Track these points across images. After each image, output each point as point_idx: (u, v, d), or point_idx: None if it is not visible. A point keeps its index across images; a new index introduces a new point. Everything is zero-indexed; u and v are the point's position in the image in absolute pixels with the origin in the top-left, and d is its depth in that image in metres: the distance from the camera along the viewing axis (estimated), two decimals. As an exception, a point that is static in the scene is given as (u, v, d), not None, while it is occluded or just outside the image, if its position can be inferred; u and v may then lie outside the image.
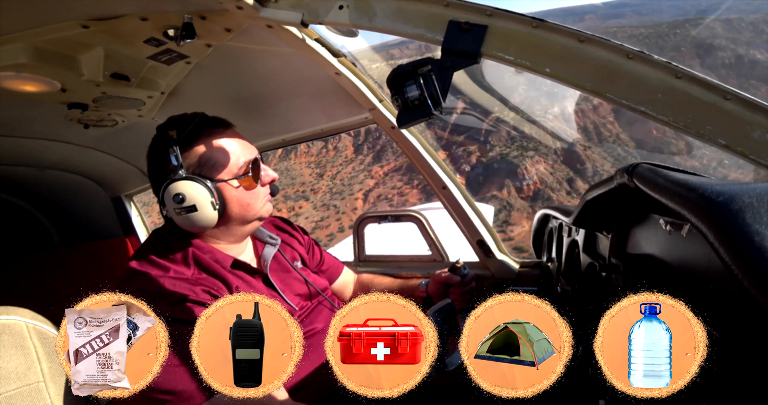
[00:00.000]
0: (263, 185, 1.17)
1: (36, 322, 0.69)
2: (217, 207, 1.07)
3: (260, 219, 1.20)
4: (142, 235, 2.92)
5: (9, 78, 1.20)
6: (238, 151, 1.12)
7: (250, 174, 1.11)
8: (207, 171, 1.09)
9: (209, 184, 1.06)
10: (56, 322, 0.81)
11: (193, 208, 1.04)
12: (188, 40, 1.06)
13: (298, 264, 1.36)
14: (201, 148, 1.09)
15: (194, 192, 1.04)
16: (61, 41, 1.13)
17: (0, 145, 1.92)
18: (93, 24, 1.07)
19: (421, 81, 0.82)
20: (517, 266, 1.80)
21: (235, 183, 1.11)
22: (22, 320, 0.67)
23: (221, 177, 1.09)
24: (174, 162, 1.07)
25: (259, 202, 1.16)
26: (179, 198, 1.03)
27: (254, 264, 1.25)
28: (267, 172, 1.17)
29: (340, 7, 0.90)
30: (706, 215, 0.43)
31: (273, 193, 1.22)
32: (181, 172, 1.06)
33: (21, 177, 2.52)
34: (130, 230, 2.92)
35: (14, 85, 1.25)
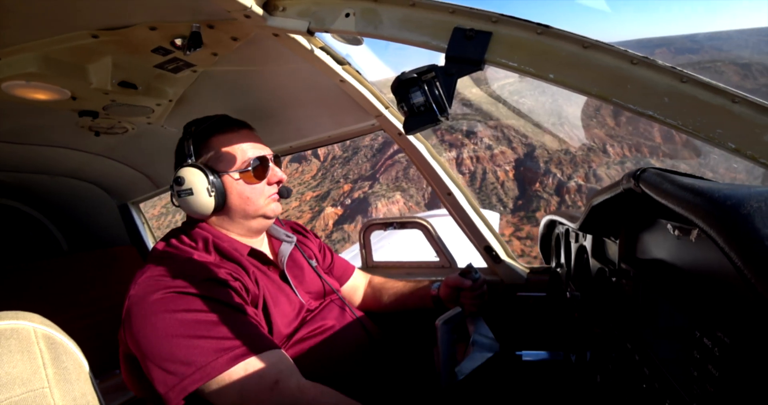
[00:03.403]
0: (269, 184, 1.23)
1: (44, 327, 0.69)
2: (213, 194, 1.14)
3: (265, 216, 1.23)
4: (149, 243, 2.94)
5: (20, 86, 1.22)
6: (245, 148, 1.20)
7: (250, 169, 1.18)
8: (213, 163, 1.18)
9: (210, 172, 1.14)
10: (65, 327, 0.81)
11: (189, 192, 1.13)
12: (195, 49, 1.07)
13: (313, 262, 1.40)
14: (213, 143, 1.19)
15: (193, 177, 1.13)
16: (70, 50, 1.15)
17: (13, 152, 1.95)
18: (103, 33, 1.09)
19: (426, 88, 0.82)
20: (526, 272, 1.78)
21: (236, 176, 1.18)
22: (30, 325, 0.67)
23: (225, 169, 1.18)
24: (186, 151, 1.18)
25: (261, 198, 1.21)
26: (179, 180, 1.13)
27: (272, 258, 1.29)
28: (275, 172, 1.24)
29: (347, 15, 0.91)
30: (714, 220, 0.43)
31: (281, 195, 1.27)
32: (189, 161, 1.17)
33: (32, 184, 2.55)
34: (137, 237, 2.94)
35: (25, 93, 1.27)
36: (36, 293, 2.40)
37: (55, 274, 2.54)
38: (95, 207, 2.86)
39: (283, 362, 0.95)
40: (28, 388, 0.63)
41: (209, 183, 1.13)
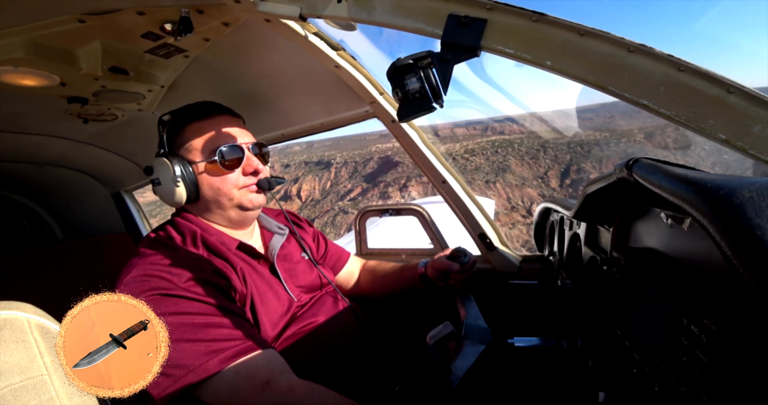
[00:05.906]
0: (244, 174, 1.18)
1: (37, 317, 0.68)
2: (180, 184, 1.11)
3: (241, 207, 1.19)
4: (143, 230, 2.93)
5: (7, 72, 1.19)
6: (216, 136, 1.16)
7: (216, 159, 1.13)
8: (184, 152, 1.16)
9: (178, 162, 1.12)
10: (59, 317, 0.81)
11: (158, 182, 1.13)
12: (186, 35, 1.05)
13: (305, 256, 1.38)
14: (186, 132, 1.16)
15: (161, 167, 1.13)
16: (58, 35, 1.12)
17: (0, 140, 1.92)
18: (89, 18, 1.06)
19: (422, 74, 0.81)
20: (518, 260, 1.80)
21: (202, 166, 1.15)
22: (23, 315, 0.67)
23: (194, 159, 1.15)
24: (160, 142, 1.18)
25: (233, 189, 1.16)
26: (148, 171, 1.15)
27: (262, 252, 1.27)
28: (250, 162, 1.17)
29: (339, 1, 0.89)
30: (706, 209, 0.43)
31: (261, 187, 1.20)
32: (162, 151, 1.17)
33: (20, 173, 2.52)
34: (132, 225, 2.93)
35: (13, 80, 1.25)
36: (30, 282, 2.40)
37: (50, 262, 2.53)
38: (88, 195, 2.84)
39: (274, 361, 0.95)
40: (27, 376, 0.63)
41: (174, 173, 1.10)
